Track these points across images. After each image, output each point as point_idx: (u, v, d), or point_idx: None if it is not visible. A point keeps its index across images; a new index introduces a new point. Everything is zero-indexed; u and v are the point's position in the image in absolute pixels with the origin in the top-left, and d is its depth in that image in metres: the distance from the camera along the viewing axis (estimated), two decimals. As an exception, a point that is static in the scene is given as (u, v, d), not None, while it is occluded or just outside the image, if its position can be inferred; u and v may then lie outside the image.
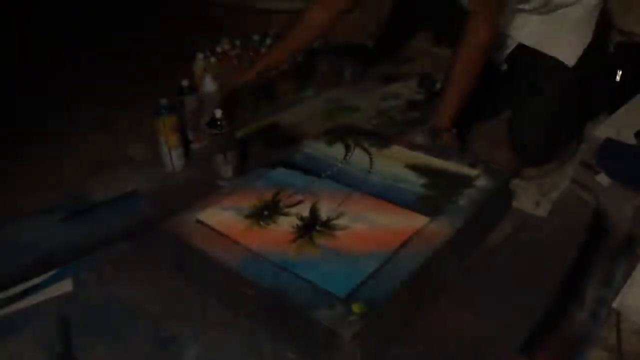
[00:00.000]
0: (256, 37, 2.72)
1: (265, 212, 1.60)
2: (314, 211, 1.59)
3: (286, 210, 1.61)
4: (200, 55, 2.47)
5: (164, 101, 2.08)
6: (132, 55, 3.58)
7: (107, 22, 4.24)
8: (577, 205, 1.91)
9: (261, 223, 1.56)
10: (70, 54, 3.63)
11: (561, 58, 1.97)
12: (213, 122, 1.95)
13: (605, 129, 2.26)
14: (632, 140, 2.18)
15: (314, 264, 1.40)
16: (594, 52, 2.07)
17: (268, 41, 2.64)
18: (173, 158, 2.12)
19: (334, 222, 1.55)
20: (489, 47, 1.86)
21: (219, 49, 2.57)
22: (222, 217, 1.60)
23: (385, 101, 2.64)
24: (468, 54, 1.86)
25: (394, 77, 2.91)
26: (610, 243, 1.71)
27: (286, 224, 1.55)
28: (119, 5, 4.38)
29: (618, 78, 2.35)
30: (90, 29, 4.07)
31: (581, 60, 2.02)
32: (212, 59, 2.42)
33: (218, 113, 1.95)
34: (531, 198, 1.89)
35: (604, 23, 2.14)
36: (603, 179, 2.00)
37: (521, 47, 2.11)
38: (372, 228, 1.52)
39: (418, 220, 1.53)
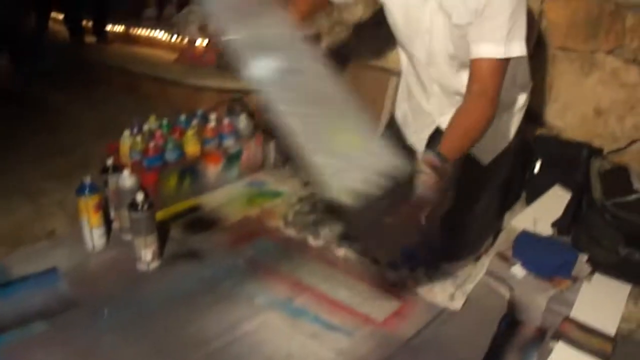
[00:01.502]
0: (183, 118, 2.71)
1: None
2: None
3: None
4: (126, 133, 2.45)
5: (87, 180, 2.06)
6: (62, 124, 3.56)
7: (40, 88, 4.21)
8: (491, 297, 1.94)
9: None
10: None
11: (476, 155, 2.00)
12: (134, 205, 1.95)
13: (522, 220, 2.34)
14: (549, 231, 2.25)
15: None
16: (512, 151, 2.15)
17: (195, 121, 2.64)
18: (94, 237, 2.09)
19: None
20: (488, 126, 1.80)
21: (145, 127, 2.55)
22: None
23: (307, 187, 2.62)
24: (465, 128, 1.79)
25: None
26: (523, 335, 1.75)
27: None
28: (52, 72, 4.38)
29: (536, 170, 2.44)
30: (21, 95, 4.04)
31: (497, 159, 2.08)
32: (139, 137, 2.40)
33: (140, 196, 1.95)
34: (446, 291, 1.91)
35: (527, 120, 2.23)
36: (518, 270, 2.06)
37: (439, 132, 2.12)
38: None
39: None
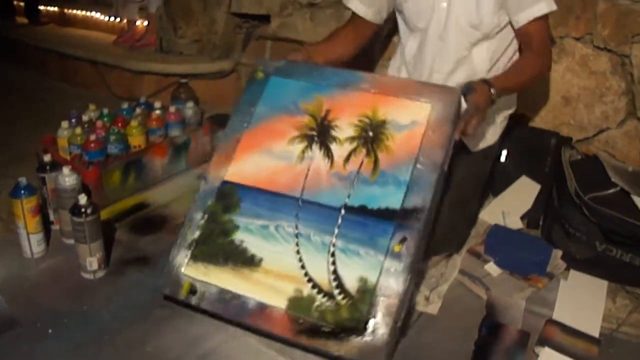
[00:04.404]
0: (125, 106, 2.54)
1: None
2: None
3: None
4: (64, 124, 2.25)
5: (22, 181, 1.89)
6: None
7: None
8: (468, 299, 1.86)
9: None
10: None
11: (464, 141, 1.95)
12: (76, 209, 1.77)
13: (490, 212, 2.24)
14: (518, 224, 2.16)
15: None
16: (496, 148, 2.16)
17: (138, 110, 2.48)
18: (32, 244, 1.93)
19: None
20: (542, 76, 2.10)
21: (85, 117, 2.36)
22: None
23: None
24: (524, 73, 1.92)
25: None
26: (505, 340, 1.64)
27: None
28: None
29: (503, 159, 2.35)
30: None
31: (485, 152, 2.05)
32: (78, 129, 2.22)
33: (82, 199, 1.77)
34: (420, 293, 1.80)
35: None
36: (492, 268, 1.96)
37: None
38: None
39: None
